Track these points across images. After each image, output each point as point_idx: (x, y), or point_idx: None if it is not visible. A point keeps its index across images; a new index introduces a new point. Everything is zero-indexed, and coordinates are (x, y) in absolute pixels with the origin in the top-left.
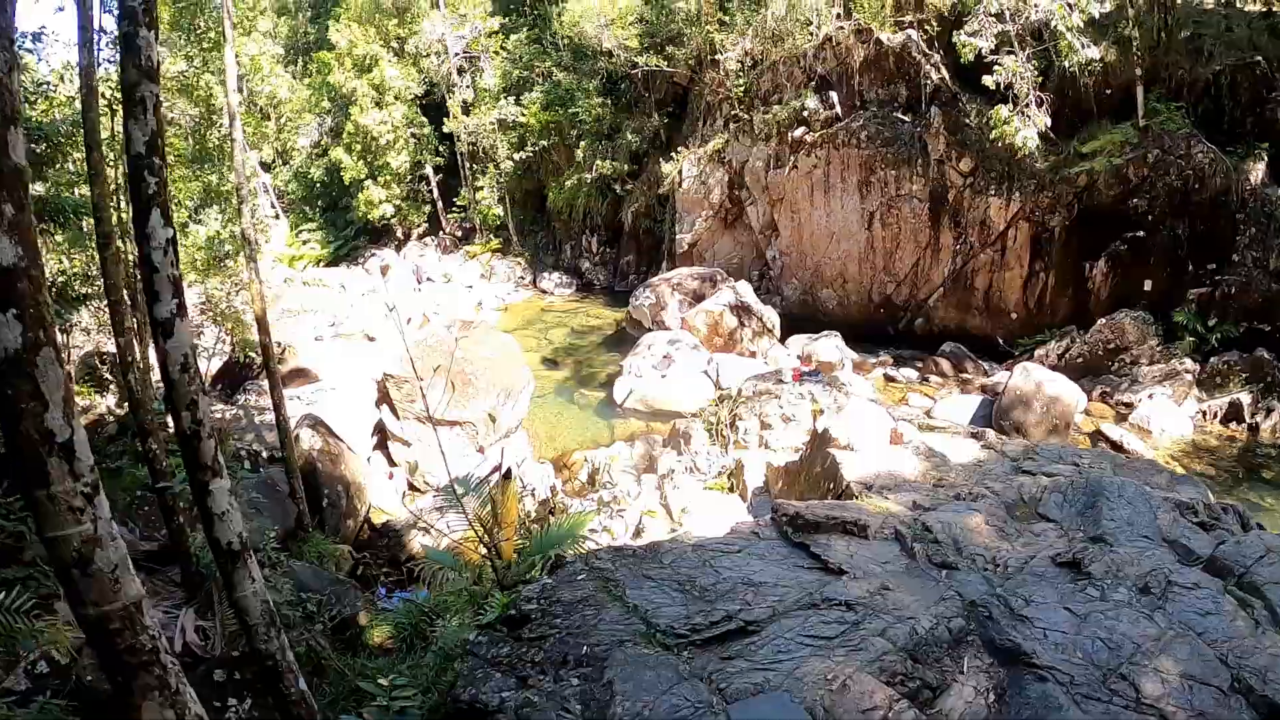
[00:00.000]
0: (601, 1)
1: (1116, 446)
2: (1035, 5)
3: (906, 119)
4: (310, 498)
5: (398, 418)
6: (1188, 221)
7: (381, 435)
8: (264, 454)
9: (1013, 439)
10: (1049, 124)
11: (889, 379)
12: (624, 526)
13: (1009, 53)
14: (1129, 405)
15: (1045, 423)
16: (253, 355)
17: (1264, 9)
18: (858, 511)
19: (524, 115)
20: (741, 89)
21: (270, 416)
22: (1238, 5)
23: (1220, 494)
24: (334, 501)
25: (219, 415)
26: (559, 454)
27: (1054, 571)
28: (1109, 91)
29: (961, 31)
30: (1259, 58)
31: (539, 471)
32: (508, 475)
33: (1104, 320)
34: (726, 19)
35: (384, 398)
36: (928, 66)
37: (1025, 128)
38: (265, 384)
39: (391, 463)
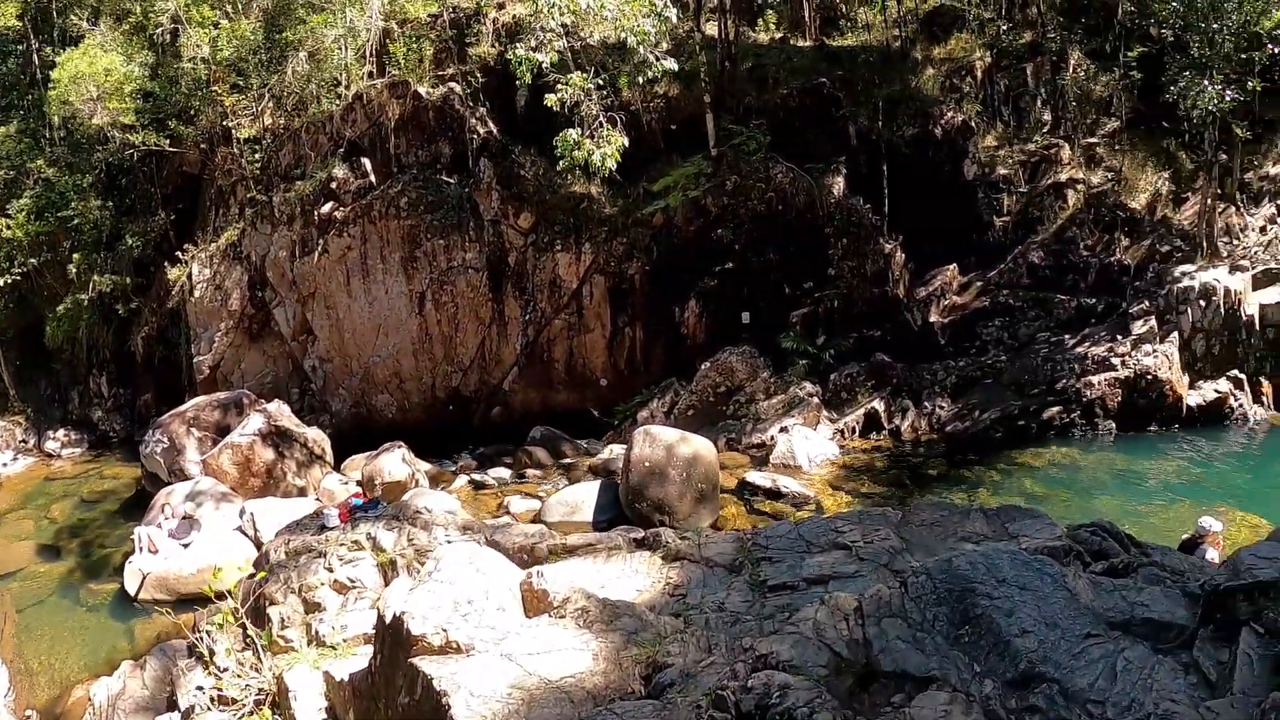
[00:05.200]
0: (94, 69)
1: (771, 493)
2: (604, 14)
3: (452, 180)
4: None
5: None
6: (777, 244)
7: None
8: None
9: (684, 539)
10: (626, 144)
11: (477, 485)
12: None
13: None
14: (762, 446)
15: (690, 492)
16: None
17: (816, 43)
18: None
19: (9, 228)
20: (258, 165)
21: None
22: (792, 42)
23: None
24: None
25: None
26: (56, 693)
27: None
28: (674, 127)
29: (518, 45)
30: (823, 80)
31: None
32: None
33: (707, 364)
34: (241, 83)
35: None
36: (473, 120)
37: (601, 147)
38: None
39: None
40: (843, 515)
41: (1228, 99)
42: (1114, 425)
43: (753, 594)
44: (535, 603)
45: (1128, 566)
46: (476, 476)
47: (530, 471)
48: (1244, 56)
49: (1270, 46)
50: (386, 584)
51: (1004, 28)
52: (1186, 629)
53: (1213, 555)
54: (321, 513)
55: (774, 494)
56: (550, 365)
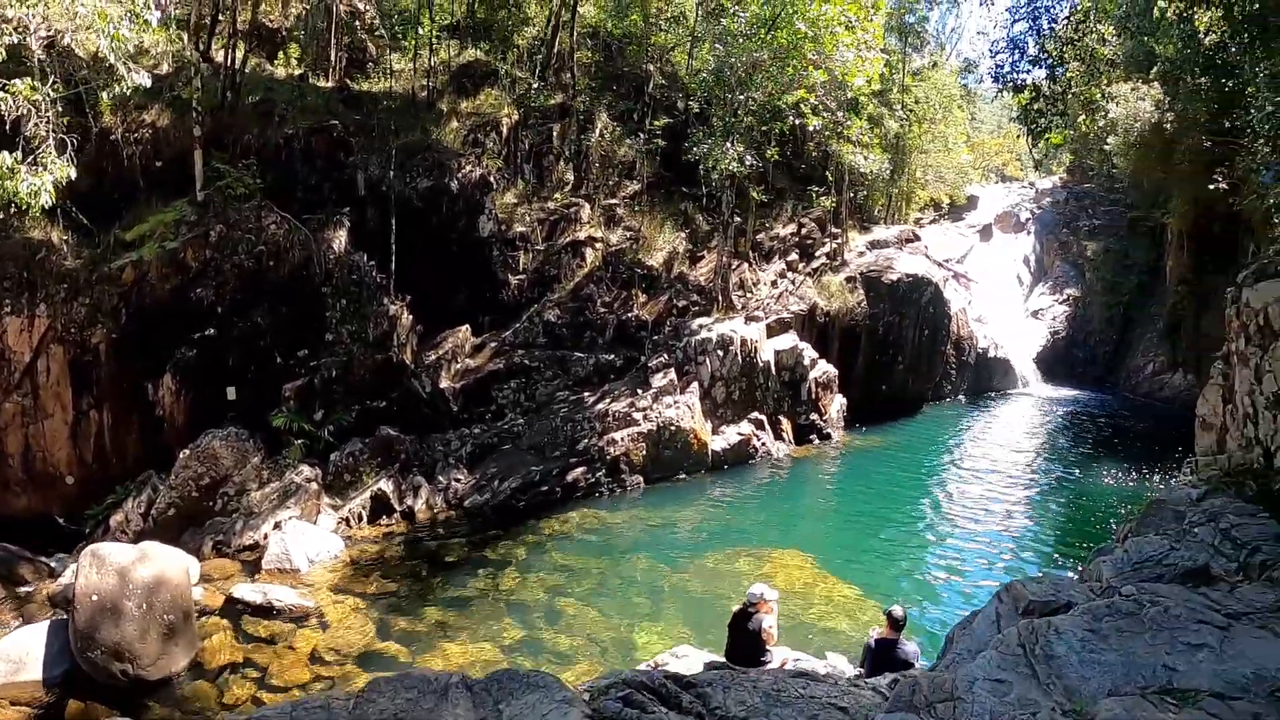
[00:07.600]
0: None
1: (263, 610)
2: (78, 9)
3: None
4: None
5: None
6: (268, 305)
7: None
8: None
9: None
10: (73, 175)
11: None
12: None
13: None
14: (254, 548)
15: (155, 627)
16: None
17: (338, 85)
18: None
19: None
20: None
21: None
22: (311, 80)
23: (416, 607)
24: None
25: None
26: None
27: None
28: (160, 164)
29: None
30: (335, 121)
31: None
32: None
33: (188, 451)
34: None
35: None
36: None
37: (35, 177)
38: None
39: None
40: (305, 708)
41: (747, 163)
42: (642, 480)
43: None
44: None
45: None
46: None
47: None
48: (765, 128)
49: (791, 118)
50: None
51: (535, 86)
52: None
53: (769, 623)
54: None
55: (266, 610)
56: (3, 461)
